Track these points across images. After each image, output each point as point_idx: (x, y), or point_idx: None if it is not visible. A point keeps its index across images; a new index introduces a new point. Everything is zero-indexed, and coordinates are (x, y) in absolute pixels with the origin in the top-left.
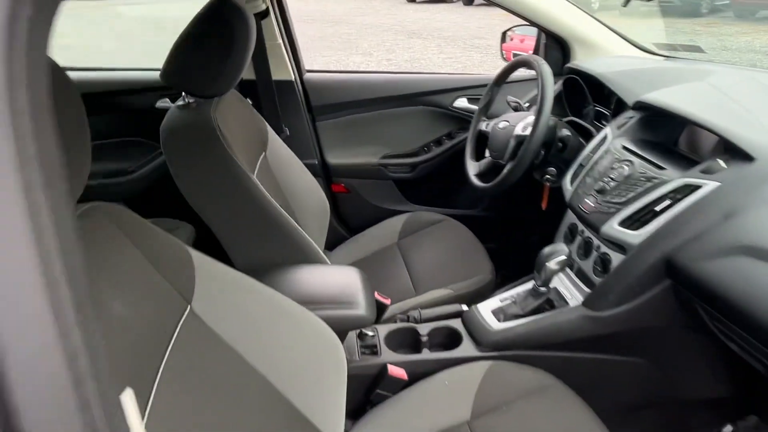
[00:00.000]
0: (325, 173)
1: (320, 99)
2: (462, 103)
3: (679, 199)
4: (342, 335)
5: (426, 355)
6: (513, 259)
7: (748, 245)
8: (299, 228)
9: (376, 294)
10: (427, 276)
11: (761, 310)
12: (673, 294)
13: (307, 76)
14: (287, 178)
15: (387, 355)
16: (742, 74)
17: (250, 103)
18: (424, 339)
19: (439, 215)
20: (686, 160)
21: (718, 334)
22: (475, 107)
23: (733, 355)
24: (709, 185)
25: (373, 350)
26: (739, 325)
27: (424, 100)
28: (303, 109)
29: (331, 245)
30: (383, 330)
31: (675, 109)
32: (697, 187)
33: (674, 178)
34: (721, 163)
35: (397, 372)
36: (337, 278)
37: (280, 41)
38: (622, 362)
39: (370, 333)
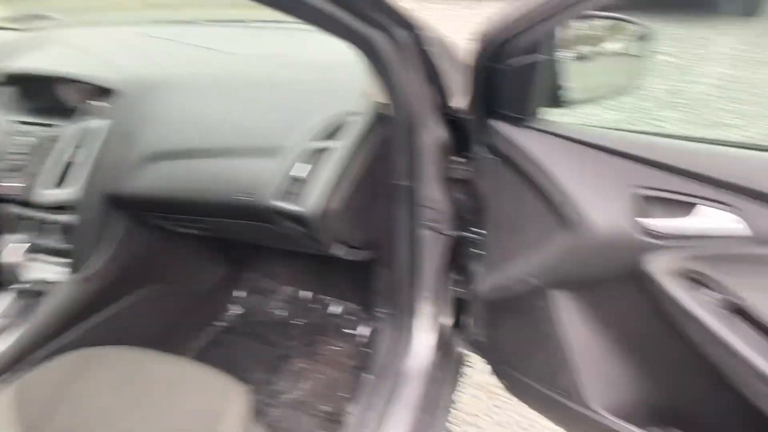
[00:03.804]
0: None
1: None
2: None
3: (81, 146)
4: None
5: None
6: None
7: (151, 152)
8: None
9: None
10: None
11: (192, 194)
12: (133, 223)
13: None
14: None
15: None
16: (95, 31)
17: None
18: None
19: None
20: (76, 112)
21: (176, 228)
22: None
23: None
24: (102, 124)
25: None
26: (187, 213)
27: None
28: None
29: None
30: None
31: (31, 70)
32: (96, 129)
33: (70, 129)
34: (101, 104)
35: None
36: None
37: None
38: (134, 302)
39: None
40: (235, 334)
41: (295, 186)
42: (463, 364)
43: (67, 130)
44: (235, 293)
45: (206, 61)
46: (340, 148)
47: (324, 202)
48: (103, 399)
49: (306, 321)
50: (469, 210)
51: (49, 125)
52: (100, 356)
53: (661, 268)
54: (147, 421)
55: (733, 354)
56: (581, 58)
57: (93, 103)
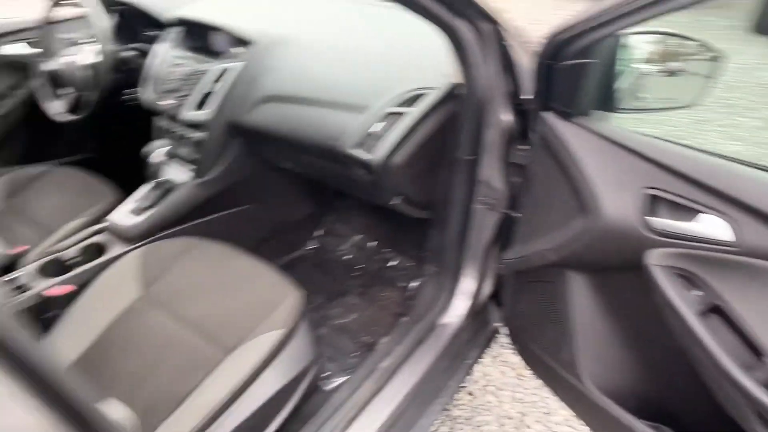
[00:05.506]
0: None
1: None
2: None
3: (219, 81)
4: None
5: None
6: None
7: (268, 95)
8: None
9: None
10: (53, 218)
11: (292, 133)
12: (246, 148)
13: None
14: None
15: (39, 284)
16: None
17: None
18: (74, 261)
19: (43, 167)
20: (222, 54)
21: (277, 162)
22: (30, 51)
23: (306, 180)
24: (237, 66)
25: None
26: (287, 147)
27: None
28: None
29: None
30: (28, 272)
31: (196, 18)
32: (232, 69)
33: (215, 66)
34: (240, 50)
35: (59, 290)
36: None
37: None
38: (237, 213)
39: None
40: (307, 264)
41: (370, 139)
42: (494, 336)
43: (212, 67)
44: (315, 231)
45: (325, 28)
46: (413, 114)
47: (389, 155)
48: (193, 277)
49: (366, 267)
50: (521, 193)
51: (201, 61)
52: (199, 245)
53: (656, 261)
54: (218, 300)
55: (704, 349)
56: (644, 69)
57: (233, 49)
